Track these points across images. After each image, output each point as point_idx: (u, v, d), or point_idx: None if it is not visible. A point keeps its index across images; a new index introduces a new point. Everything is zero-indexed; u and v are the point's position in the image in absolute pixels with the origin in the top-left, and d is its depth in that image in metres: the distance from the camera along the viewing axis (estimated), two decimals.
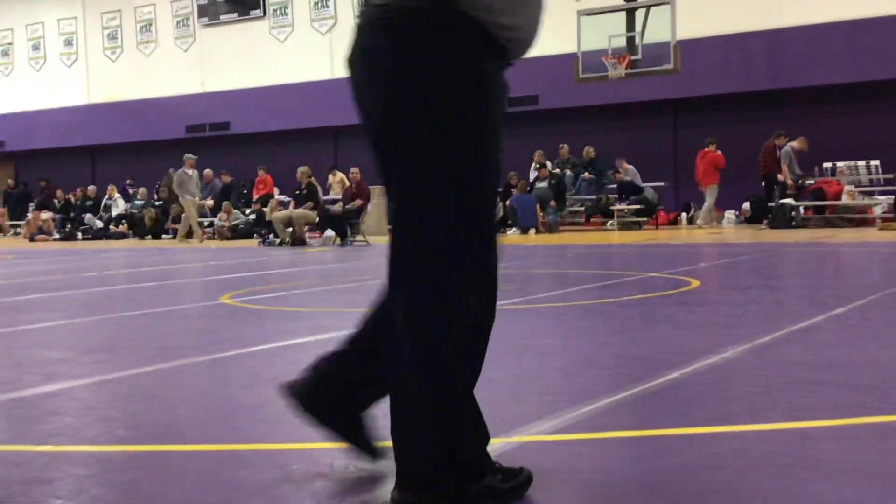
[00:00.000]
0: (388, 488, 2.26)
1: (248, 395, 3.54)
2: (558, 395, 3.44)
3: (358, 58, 2.40)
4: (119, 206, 24.74)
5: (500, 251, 2.25)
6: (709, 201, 18.72)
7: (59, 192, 26.81)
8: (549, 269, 9.64)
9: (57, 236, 24.26)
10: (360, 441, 2.48)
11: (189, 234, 19.82)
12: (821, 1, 19.16)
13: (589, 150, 20.17)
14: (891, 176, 17.86)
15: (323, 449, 2.73)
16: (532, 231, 18.38)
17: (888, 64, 18.45)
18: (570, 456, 2.64)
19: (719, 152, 18.68)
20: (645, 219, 19.69)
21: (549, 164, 20.08)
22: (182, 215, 20.39)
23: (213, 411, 3.32)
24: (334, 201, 18.49)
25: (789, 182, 17.62)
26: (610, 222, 19.79)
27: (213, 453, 2.75)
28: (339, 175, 20.89)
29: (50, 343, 5.22)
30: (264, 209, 19.89)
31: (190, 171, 19.58)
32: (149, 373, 4.07)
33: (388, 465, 2.29)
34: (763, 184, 18.12)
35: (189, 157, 19.72)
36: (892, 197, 16.99)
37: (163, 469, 2.62)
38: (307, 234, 17.28)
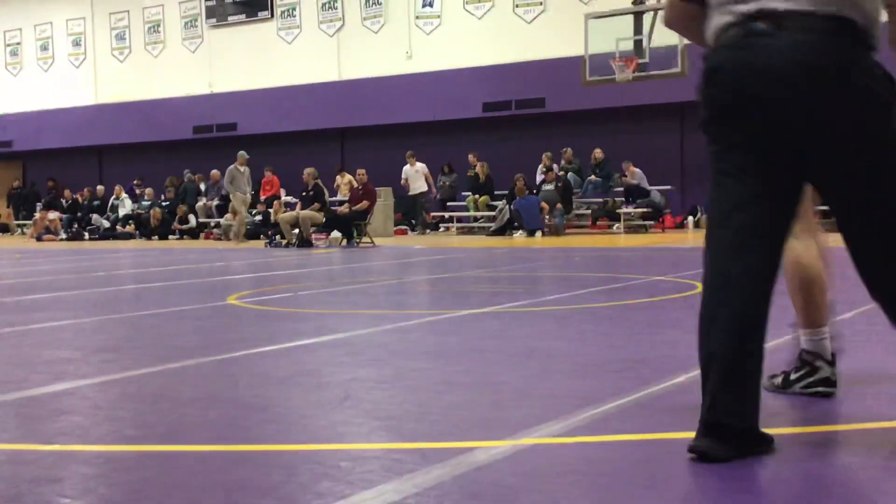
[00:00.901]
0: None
1: (256, 396, 3.55)
2: (565, 397, 3.44)
3: (849, 73, 2.54)
4: (126, 207, 24.80)
5: None
6: None
7: (66, 192, 26.89)
8: (555, 272, 9.65)
9: (64, 236, 24.32)
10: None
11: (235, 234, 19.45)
12: None
13: (597, 153, 20.16)
14: None
15: (330, 450, 2.75)
16: (538, 234, 18.37)
17: (891, 67, 18.39)
18: (576, 458, 2.65)
19: None
20: (651, 222, 19.68)
21: (555, 166, 20.09)
22: (227, 214, 20.07)
23: (221, 412, 3.33)
24: (342, 202, 18.51)
25: None
26: (616, 225, 19.77)
27: (220, 453, 2.76)
28: (348, 177, 20.92)
29: (58, 342, 5.24)
30: (270, 210, 19.92)
31: (242, 168, 19.16)
32: (156, 373, 4.09)
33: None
34: None
35: (242, 154, 19.33)
36: None
37: (170, 469, 2.63)
38: (313, 236, 17.30)
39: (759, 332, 2.73)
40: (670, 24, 3.12)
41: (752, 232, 2.65)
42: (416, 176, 21.45)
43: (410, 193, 21.61)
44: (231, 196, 19.55)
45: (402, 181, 21.68)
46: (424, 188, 21.58)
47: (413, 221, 22.02)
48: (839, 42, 2.52)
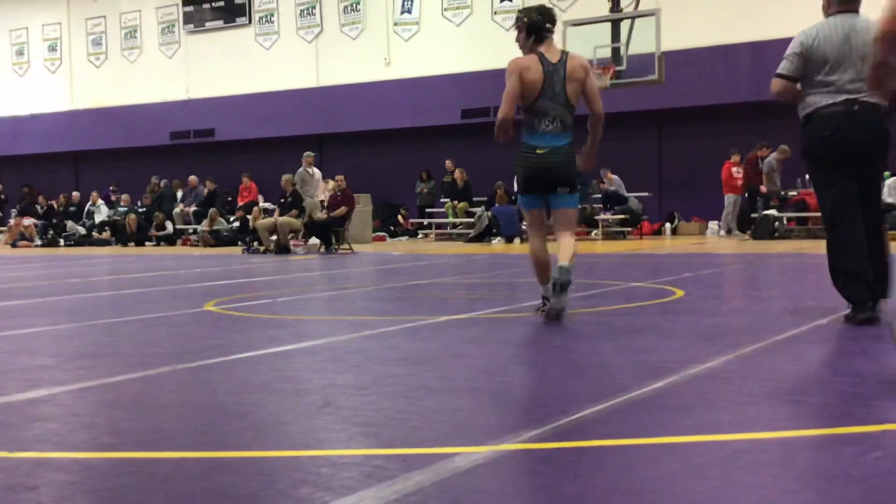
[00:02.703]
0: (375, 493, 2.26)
1: (233, 403, 3.53)
2: (544, 403, 3.45)
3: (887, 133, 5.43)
4: (102, 213, 24.64)
5: None
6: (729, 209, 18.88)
7: (41, 199, 26.67)
8: (533, 279, 9.63)
9: (39, 242, 24.13)
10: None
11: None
12: (803, 13, 19.21)
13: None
14: None
15: (309, 456, 2.73)
16: (516, 240, 18.41)
17: None
18: (554, 464, 2.65)
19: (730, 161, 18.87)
20: (629, 229, 19.77)
21: None
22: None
23: (199, 418, 3.31)
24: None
25: (763, 189, 17.75)
26: (594, 232, 19.84)
27: (198, 460, 2.74)
28: (331, 183, 20.84)
29: (34, 349, 5.19)
30: (248, 216, 19.84)
31: (311, 170, 18.18)
32: (134, 379, 4.06)
33: None
34: (746, 195, 18.22)
35: (308, 154, 18.40)
36: None
37: (148, 476, 2.61)
38: (291, 242, 17.25)
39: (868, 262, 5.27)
40: (781, 96, 5.90)
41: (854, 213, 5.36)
42: (312, 181, 19.07)
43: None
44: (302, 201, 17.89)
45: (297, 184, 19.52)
46: (321, 196, 19.82)
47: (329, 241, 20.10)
48: (881, 117, 5.39)
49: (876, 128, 5.31)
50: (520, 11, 6.15)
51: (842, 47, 5.40)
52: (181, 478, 2.58)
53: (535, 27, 5.96)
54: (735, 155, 18.72)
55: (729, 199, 18.83)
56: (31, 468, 2.70)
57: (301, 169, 18.21)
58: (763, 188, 17.85)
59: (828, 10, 5.73)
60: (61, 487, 2.51)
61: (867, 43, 4.94)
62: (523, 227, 18.61)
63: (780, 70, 5.75)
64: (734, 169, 18.73)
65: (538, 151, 5.87)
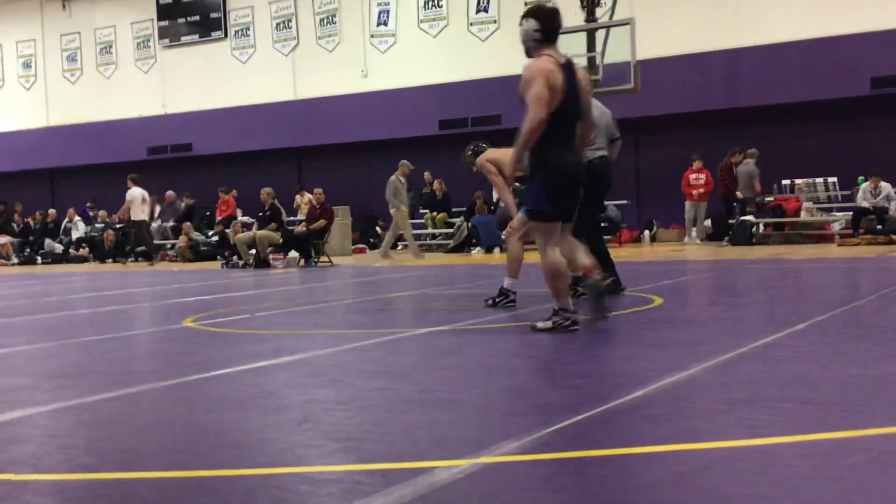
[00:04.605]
0: None
1: (212, 420, 3.51)
2: (524, 414, 3.45)
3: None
4: (79, 230, 24.45)
5: None
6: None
7: (16, 216, 26.46)
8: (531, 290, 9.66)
9: (16, 260, 23.93)
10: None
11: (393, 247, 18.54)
12: (777, 21, 19.49)
13: None
14: (848, 192, 18.15)
15: (287, 474, 2.72)
16: (496, 250, 18.42)
17: (844, 83, 18.78)
18: (536, 476, 2.65)
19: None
20: (608, 236, 19.82)
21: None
22: (388, 227, 18.73)
23: (177, 437, 3.29)
24: (300, 222, 18.42)
25: (739, 195, 17.84)
26: (573, 240, 19.84)
27: (176, 480, 2.72)
28: (308, 196, 20.81)
29: (9, 369, 5.14)
30: (227, 231, 19.77)
31: (403, 179, 17.65)
32: (111, 399, 4.03)
33: None
34: (723, 201, 18.30)
35: (405, 163, 17.73)
36: (850, 213, 17.26)
37: (126, 497, 2.59)
38: (271, 256, 17.19)
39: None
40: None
41: None
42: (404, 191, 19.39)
43: (133, 219, 20.04)
44: (391, 209, 17.67)
45: (126, 206, 20.08)
46: (145, 216, 20.10)
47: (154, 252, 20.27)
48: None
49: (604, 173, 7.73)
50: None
51: None
52: (160, 498, 2.56)
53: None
54: (697, 161, 18.76)
55: (688, 205, 18.85)
56: (8, 491, 2.67)
57: (394, 177, 17.60)
58: (739, 194, 17.94)
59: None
60: None
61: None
62: (502, 237, 18.66)
63: None
64: (692, 176, 18.79)
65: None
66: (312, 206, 17.59)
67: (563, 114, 5.41)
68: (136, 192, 20.00)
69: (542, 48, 5.55)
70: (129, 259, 21.17)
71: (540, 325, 5.58)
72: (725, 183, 18.02)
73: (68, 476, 2.81)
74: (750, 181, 17.99)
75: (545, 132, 5.40)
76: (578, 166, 5.60)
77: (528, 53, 5.62)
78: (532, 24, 5.57)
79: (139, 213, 20.00)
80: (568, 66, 5.49)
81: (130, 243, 21.36)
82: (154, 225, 23.60)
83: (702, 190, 18.56)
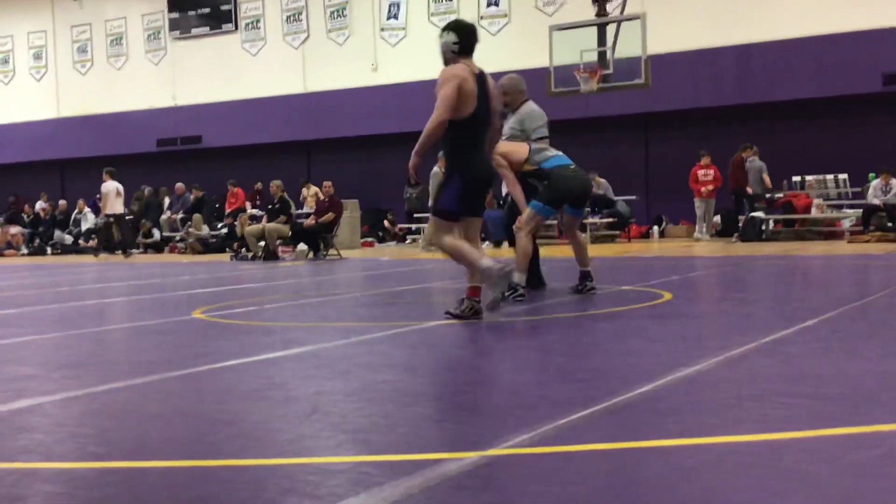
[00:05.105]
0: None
1: (221, 411, 3.52)
2: (533, 407, 3.45)
3: None
4: (89, 221, 24.53)
5: None
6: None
7: (26, 207, 26.55)
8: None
9: (25, 251, 24.02)
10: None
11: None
12: (789, 17, 19.41)
13: None
14: (859, 189, 18.08)
15: (295, 464, 2.72)
16: (504, 244, 18.41)
17: (855, 79, 18.70)
18: (544, 469, 2.64)
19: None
20: (617, 232, 19.80)
21: None
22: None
23: (186, 427, 3.30)
24: (308, 215, 18.43)
25: (749, 191, 17.78)
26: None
27: (186, 469, 2.73)
28: (314, 188, 20.82)
29: (20, 358, 5.16)
30: (236, 223, 19.82)
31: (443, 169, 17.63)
32: (120, 388, 4.04)
33: None
34: (733, 197, 18.25)
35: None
36: (861, 210, 17.20)
37: (135, 486, 2.59)
38: (280, 249, 17.21)
39: None
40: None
41: None
42: (110, 194, 20.05)
43: (107, 213, 20.42)
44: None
45: (100, 200, 20.44)
46: (120, 210, 20.40)
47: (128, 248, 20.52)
48: None
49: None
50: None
51: None
52: (168, 487, 2.57)
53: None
54: (705, 157, 18.70)
55: (697, 202, 18.80)
56: (18, 479, 2.68)
57: (436, 168, 17.15)
58: (749, 189, 17.88)
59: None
60: (48, 498, 2.49)
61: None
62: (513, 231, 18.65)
63: None
64: (700, 172, 18.72)
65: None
66: (321, 200, 17.60)
67: (476, 120, 5.84)
68: (110, 186, 20.22)
69: (459, 60, 6.04)
70: (105, 252, 21.08)
71: (452, 310, 6.02)
72: (736, 178, 17.96)
73: (78, 464, 2.82)
74: (759, 176, 17.93)
75: (460, 137, 5.87)
76: (490, 169, 6.12)
77: (446, 63, 6.11)
78: (452, 37, 6.09)
79: (114, 206, 20.14)
80: (481, 77, 5.96)
81: (105, 236, 21.46)
82: (163, 217, 23.68)
83: (710, 187, 18.51)
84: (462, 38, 6.06)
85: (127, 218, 23.37)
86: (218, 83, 26.10)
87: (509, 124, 8.03)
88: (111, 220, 20.57)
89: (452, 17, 23.24)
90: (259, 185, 22.23)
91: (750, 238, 17.26)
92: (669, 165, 20.67)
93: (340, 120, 24.03)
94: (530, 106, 8.10)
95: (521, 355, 4.93)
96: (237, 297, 9.06)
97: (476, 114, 5.82)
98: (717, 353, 4.41)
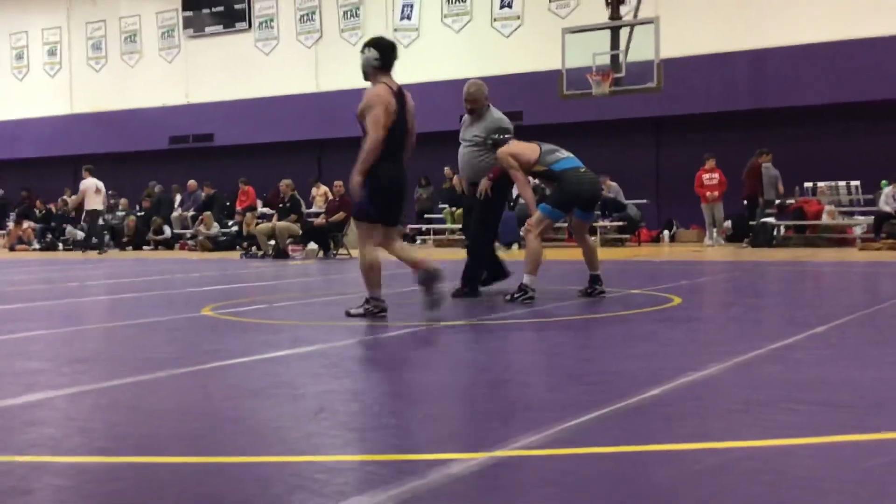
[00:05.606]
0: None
1: (229, 408, 3.53)
2: (541, 409, 3.45)
3: None
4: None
5: None
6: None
7: (38, 203, 26.63)
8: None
9: (37, 246, 24.10)
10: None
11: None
12: (802, 23, 19.35)
13: None
14: (871, 196, 18.01)
15: (303, 462, 2.73)
16: (514, 246, 18.40)
17: (868, 85, 18.63)
18: (552, 471, 2.65)
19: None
20: (627, 235, 19.77)
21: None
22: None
23: (194, 423, 3.31)
24: (317, 214, 18.46)
25: (763, 199, 17.68)
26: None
27: (193, 466, 2.74)
28: (323, 188, 20.85)
29: (30, 353, 5.18)
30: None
31: None
32: (130, 384, 4.05)
33: None
34: (747, 203, 18.11)
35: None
36: (872, 217, 17.13)
37: (143, 481, 2.60)
38: (290, 247, 17.24)
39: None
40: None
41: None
42: (89, 191, 20.37)
43: (88, 209, 20.62)
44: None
45: (80, 196, 20.63)
46: (99, 207, 20.52)
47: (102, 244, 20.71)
48: None
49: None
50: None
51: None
52: (176, 483, 2.58)
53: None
54: (710, 161, 18.59)
55: (703, 207, 18.68)
56: (27, 472, 2.69)
57: None
58: (763, 196, 17.77)
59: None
60: (56, 492, 2.51)
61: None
62: (521, 234, 18.65)
63: None
64: (705, 176, 18.62)
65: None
66: (332, 199, 17.62)
67: (393, 134, 6.26)
68: (89, 183, 20.45)
69: (379, 75, 6.42)
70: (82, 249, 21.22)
71: (353, 311, 6.37)
72: (751, 185, 17.79)
73: (87, 459, 2.84)
74: (774, 183, 17.83)
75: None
76: (404, 178, 6.43)
77: (366, 77, 6.50)
78: (374, 53, 6.41)
79: (93, 203, 20.34)
80: (399, 93, 6.38)
81: (86, 232, 21.62)
82: (175, 214, 23.74)
83: (716, 192, 18.40)
84: (383, 55, 6.41)
85: (139, 214, 23.47)
86: (231, 82, 26.16)
87: (473, 132, 8.05)
88: (86, 216, 20.87)
89: (465, 19, 23.27)
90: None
91: (760, 244, 17.20)
92: (680, 170, 20.62)
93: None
94: (496, 113, 8.11)
95: (530, 357, 4.93)
96: (246, 294, 9.08)
97: (394, 128, 6.24)
98: (726, 358, 4.40)
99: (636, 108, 20.02)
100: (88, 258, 18.76)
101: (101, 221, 20.86)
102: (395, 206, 6.39)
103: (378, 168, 6.24)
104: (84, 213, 21.19)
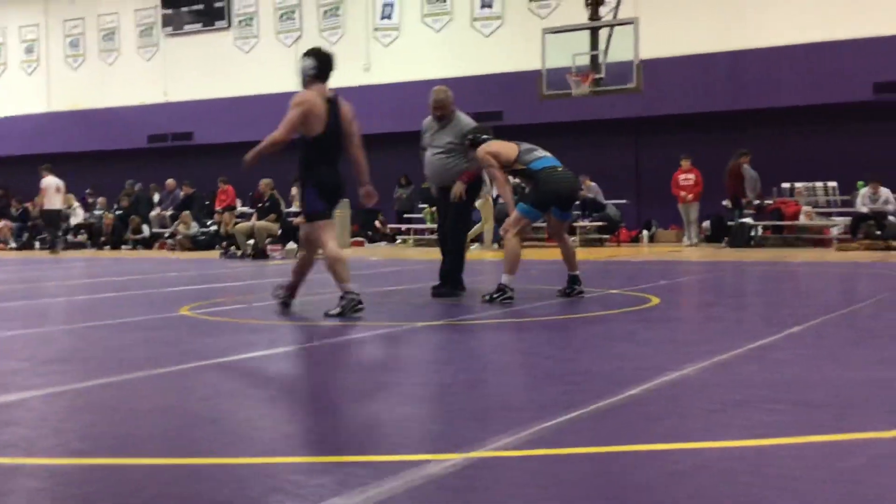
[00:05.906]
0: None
1: (207, 409, 3.51)
2: (518, 409, 3.45)
3: None
4: (78, 216, 24.42)
5: None
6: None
7: (14, 202, 26.39)
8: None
9: (14, 245, 23.90)
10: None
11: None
12: (781, 24, 19.48)
13: None
14: (847, 197, 18.15)
15: (280, 463, 2.72)
16: (494, 246, 18.41)
17: (847, 87, 18.77)
18: (530, 472, 2.64)
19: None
20: (607, 235, 19.82)
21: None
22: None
23: (171, 424, 3.28)
24: (297, 213, 18.39)
25: (746, 200, 17.75)
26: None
27: (170, 467, 2.72)
28: None
29: (5, 353, 5.13)
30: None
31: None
32: (106, 384, 4.02)
33: None
34: (730, 204, 18.14)
35: None
36: (849, 218, 17.26)
37: (118, 483, 2.58)
38: (269, 247, 17.18)
39: None
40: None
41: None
42: (48, 190, 20.35)
43: (46, 208, 20.60)
44: (480, 203, 16.89)
45: (41, 196, 20.67)
46: (58, 206, 20.52)
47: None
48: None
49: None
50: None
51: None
52: (152, 485, 2.56)
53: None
54: (685, 161, 18.63)
55: (680, 208, 18.72)
56: (0, 474, 2.66)
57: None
58: (745, 196, 17.83)
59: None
60: (30, 494, 2.48)
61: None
62: (500, 233, 18.65)
63: None
64: (682, 176, 18.67)
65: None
66: None
67: (326, 139, 6.48)
68: (49, 181, 20.45)
69: (315, 83, 6.58)
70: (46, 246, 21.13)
71: (331, 312, 6.35)
72: (733, 185, 17.84)
73: (61, 460, 2.81)
74: (754, 184, 17.91)
75: (313, 153, 6.53)
76: (340, 182, 6.62)
77: (303, 84, 6.63)
78: (311, 62, 6.62)
79: (52, 202, 20.39)
80: (333, 101, 6.56)
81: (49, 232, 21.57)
82: (153, 213, 23.60)
83: (690, 195, 18.43)
84: (320, 64, 6.60)
85: (117, 213, 23.32)
86: (210, 80, 26.03)
87: (446, 139, 8.09)
88: (54, 215, 20.82)
89: (446, 19, 23.27)
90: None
91: (739, 244, 17.29)
92: (660, 170, 20.69)
93: None
94: (464, 118, 8.19)
95: (508, 357, 4.93)
96: (225, 294, 9.04)
97: (326, 133, 6.45)
98: (704, 357, 4.42)
99: (616, 109, 20.08)
100: (59, 258, 18.62)
101: (63, 220, 20.85)
102: (335, 204, 6.67)
103: (312, 172, 6.52)
104: (40, 211, 21.18)
